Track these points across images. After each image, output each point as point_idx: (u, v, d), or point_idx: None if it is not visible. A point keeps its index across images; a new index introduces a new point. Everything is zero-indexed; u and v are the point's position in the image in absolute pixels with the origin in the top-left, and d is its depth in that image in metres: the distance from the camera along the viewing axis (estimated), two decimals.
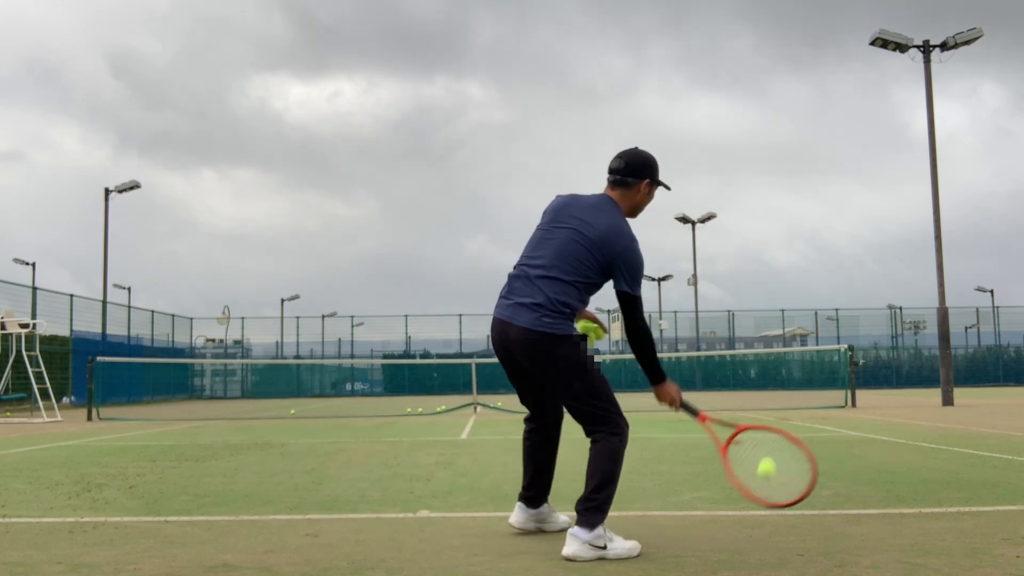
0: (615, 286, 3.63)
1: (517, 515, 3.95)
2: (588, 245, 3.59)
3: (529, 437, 3.94)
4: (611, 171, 3.78)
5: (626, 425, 3.61)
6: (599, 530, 3.41)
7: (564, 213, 3.71)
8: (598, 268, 3.60)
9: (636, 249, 3.63)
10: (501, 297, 3.72)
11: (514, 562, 3.36)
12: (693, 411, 3.76)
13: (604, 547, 3.39)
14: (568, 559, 3.37)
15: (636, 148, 3.81)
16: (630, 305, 3.60)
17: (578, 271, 3.59)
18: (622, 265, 3.58)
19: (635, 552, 3.44)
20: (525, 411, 3.97)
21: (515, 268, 3.75)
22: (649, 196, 3.81)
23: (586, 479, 3.52)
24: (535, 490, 3.91)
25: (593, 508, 3.44)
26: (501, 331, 3.66)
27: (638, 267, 3.61)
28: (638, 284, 3.62)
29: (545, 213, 3.80)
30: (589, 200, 3.74)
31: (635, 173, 3.74)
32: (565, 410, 3.80)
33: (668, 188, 3.85)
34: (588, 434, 3.61)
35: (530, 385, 3.81)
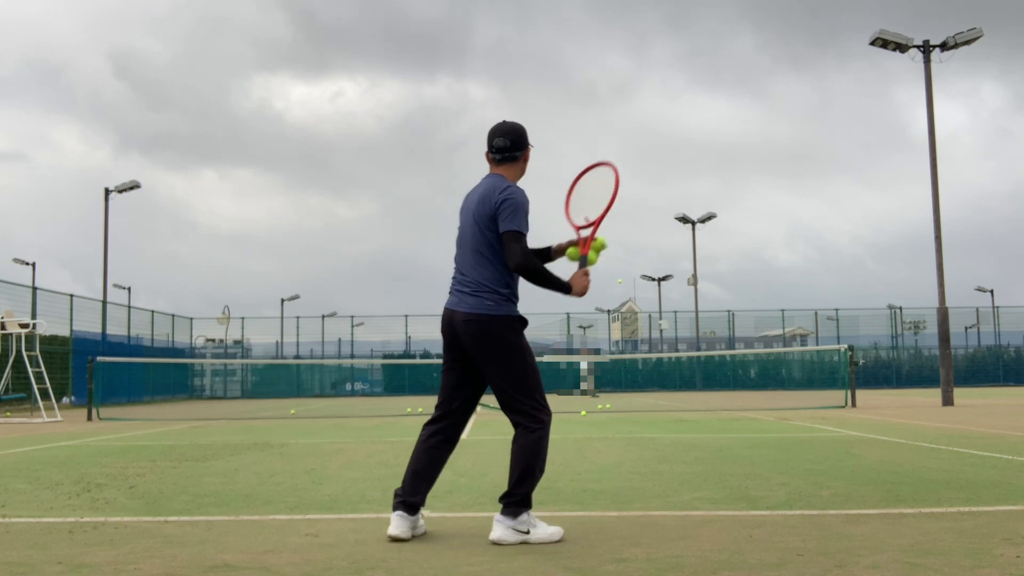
0: (500, 229, 3.77)
1: (400, 525, 3.77)
2: (484, 223, 3.81)
3: (431, 438, 3.91)
4: (498, 150, 3.91)
5: (548, 418, 3.82)
6: (523, 516, 3.69)
7: (464, 212, 3.96)
8: (493, 229, 3.80)
9: (513, 192, 3.79)
10: (449, 296, 3.95)
11: (514, 562, 3.36)
12: (584, 263, 3.95)
13: (527, 531, 3.65)
14: (495, 543, 3.63)
15: (506, 121, 3.96)
16: (513, 239, 3.74)
17: (492, 246, 3.80)
18: (503, 208, 3.76)
19: (556, 537, 3.70)
20: None
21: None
22: (528, 158, 4.01)
23: (509, 472, 3.73)
24: (421, 496, 3.85)
25: (515, 503, 3.69)
26: (448, 319, 3.88)
27: (517, 204, 3.76)
28: (519, 219, 3.74)
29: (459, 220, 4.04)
30: (479, 191, 3.92)
31: (520, 146, 3.93)
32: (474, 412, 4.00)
33: (533, 146, 4.01)
34: (514, 424, 3.80)
35: (465, 374, 3.90)
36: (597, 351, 38.47)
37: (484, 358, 3.80)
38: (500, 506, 3.74)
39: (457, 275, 3.93)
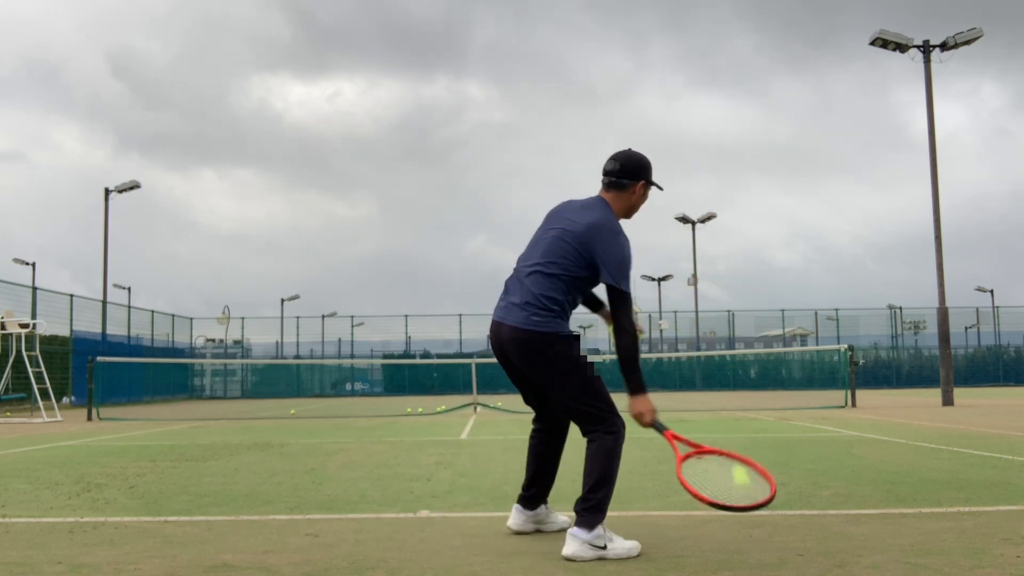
0: (602, 280, 3.62)
1: (515, 518, 3.94)
2: (572, 240, 3.63)
3: (535, 436, 3.94)
4: (606, 173, 3.78)
5: (622, 425, 3.60)
6: (599, 530, 3.40)
7: (555, 216, 3.80)
8: (583, 262, 3.61)
9: (621, 242, 3.61)
10: (499, 299, 3.80)
11: (514, 562, 3.36)
12: (660, 428, 3.63)
13: (604, 547, 3.39)
14: (568, 559, 3.36)
15: (630, 150, 3.81)
16: (617, 301, 3.58)
17: (561, 265, 3.62)
18: (605, 257, 3.57)
19: (635, 552, 3.44)
20: (527, 410, 4.00)
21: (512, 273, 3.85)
22: (644, 197, 3.81)
23: (583, 479, 3.52)
24: (534, 490, 3.90)
25: (591, 508, 3.43)
26: (496, 331, 3.74)
27: (623, 260, 3.58)
28: (624, 279, 3.56)
29: (543, 221, 3.88)
30: (581, 201, 3.80)
31: (630, 175, 3.75)
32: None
33: (661, 188, 3.85)
34: (584, 434, 3.60)
35: (528, 385, 3.84)
36: (598, 350, 38.46)
37: (536, 374, 3.66)
38: (499, 506, 3.73)
39: (513, 281, 3.76)
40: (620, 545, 3.43)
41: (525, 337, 3.59)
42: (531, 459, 3.93)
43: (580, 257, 3.61)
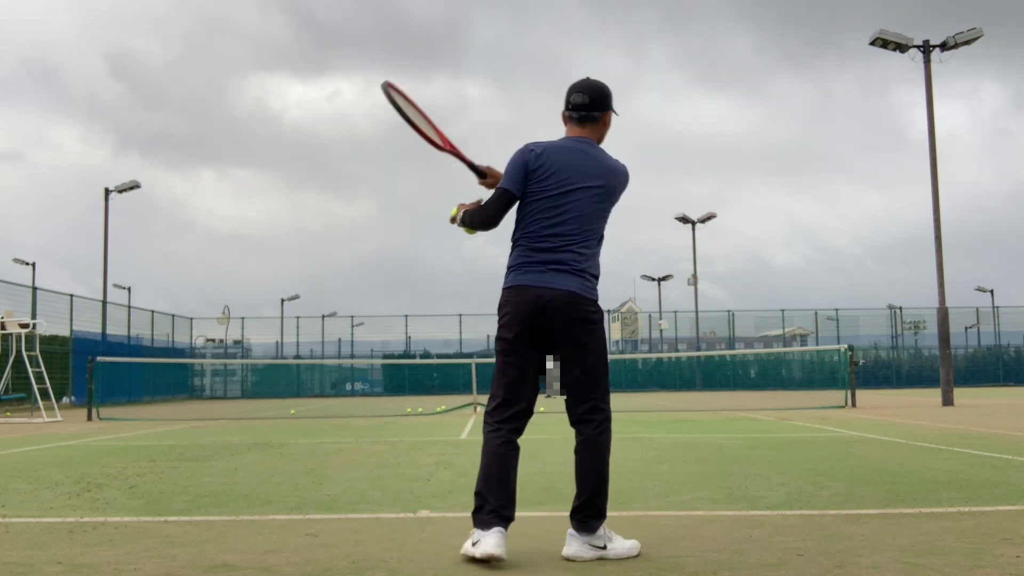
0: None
1: (500, 542, 3.27)
2: (606, 200, 3.58)
3: (508, 442, 3.45)
4: (576, 107, 3.60)
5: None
6: (599, 530, 3.39)
7: (567, 176, 3.51)
8: (610, 211, 3.65)
9: (628, 173, 3.68)
10: (522, 265, 3.52)
11: (514, 562, 3.36)
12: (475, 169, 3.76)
13: (604, 547, 3.36)
14: (568, 559, 3.35)
15: (589, 79, 3.67)
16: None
17: (599, 230, 3.60)
18: (622, 194, 3.67)
19: (635, 551, 3.42)
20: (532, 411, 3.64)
21: (535, 235, 3.52)
22: (609, 125, 3.72)
23: (582, 481, 3.40)
24: (513, 508, 3.41)
25: (593, 514, 3.39)
26: (536, 296, 3.43)
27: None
28: None
29: (538, 173, 3.53)
30: (579, 150, 3.57)
31: (601, 106, 3.62)
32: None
33: (617, 114, 3.71)
34: (594, 417, 3.45)
35: (531, 364, 3.49)
36: None
37: (581, 339, 3.44)
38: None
39: (550, 247, 3.48)
40: (620, 545, 3.40)
41: (580, 302, 3.44)
42: (507, 470, 3.39)
43: (610, 209, 3.63)
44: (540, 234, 3.52)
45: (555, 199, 3.51)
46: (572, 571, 3.21)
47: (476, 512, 3.36)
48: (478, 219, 3.61)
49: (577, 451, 3.48)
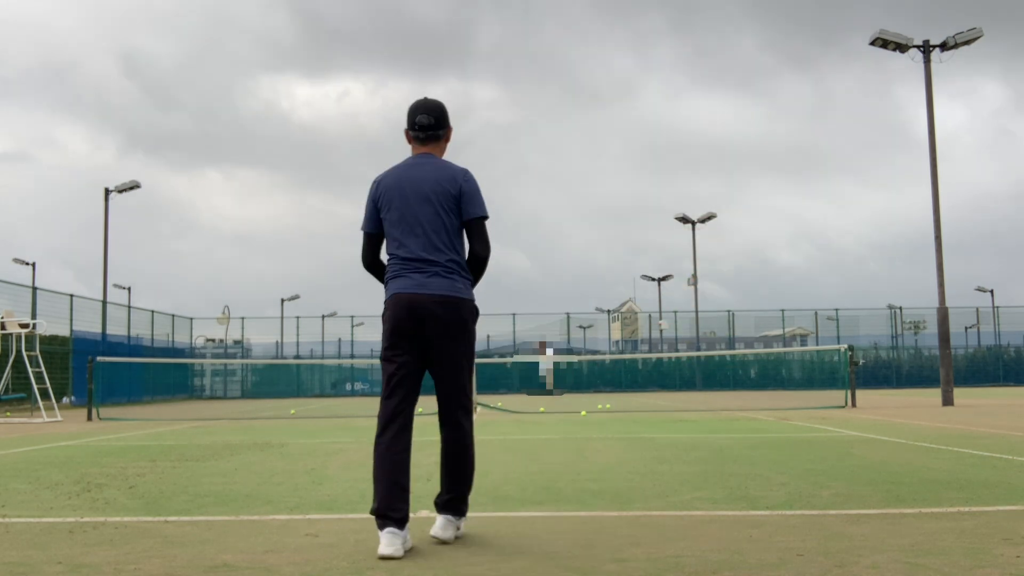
0: (470, 215, 3.75)
1: (393, 541, 3.47)
2: (446, 204, 3.70)
3: (400, 444, 3.70)
4: (422, 127, 3.79)
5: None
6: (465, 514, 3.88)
7: (408, 196, 3.71)
8: (458, 213, 3.73)
9: (473, 177, 3.80)
10: (396, 277, 3.69)
11: (515, 562, 3.36)
12: None
13: (459, 528, 3.86)
14: (444, 541, 3.72)
15: (427, 99, 3.86)
16: (485, 226, 3.79)
17: (450, 231, 3.71)
18: (472, 193, 3.75)
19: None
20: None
21: (398, 254, 3.72)
22: (450, 139, 3.94)
23: (452, 473, 3.85)
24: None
25: (461, 499, 3.84)
26: (411, 303, 3.61)
27: (479, 189, 3.80)
28: (485, 204, 3.79)
29: (382, 200, 3.76)
30: (416, 166, 3.77)
31: (443, 124, 3.85)
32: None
33: (451, 128, 3.93)
34: (462, 418, 3.84)
35: (419, 359, 3.69)
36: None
37: (449, 345, 3.66)
38: (500, 506, 3.75)
39: (409, 260, 3.67)
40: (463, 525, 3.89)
41: (454, 302, 3.65)
42: (401, 468, 3.65)
43: (457, 211, 3.73)
44: (398, 255, 3.73)
45: (402, 219, 3.71)
46: (573, 571, 3.21)
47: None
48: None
49: (454, 446, 3.97)
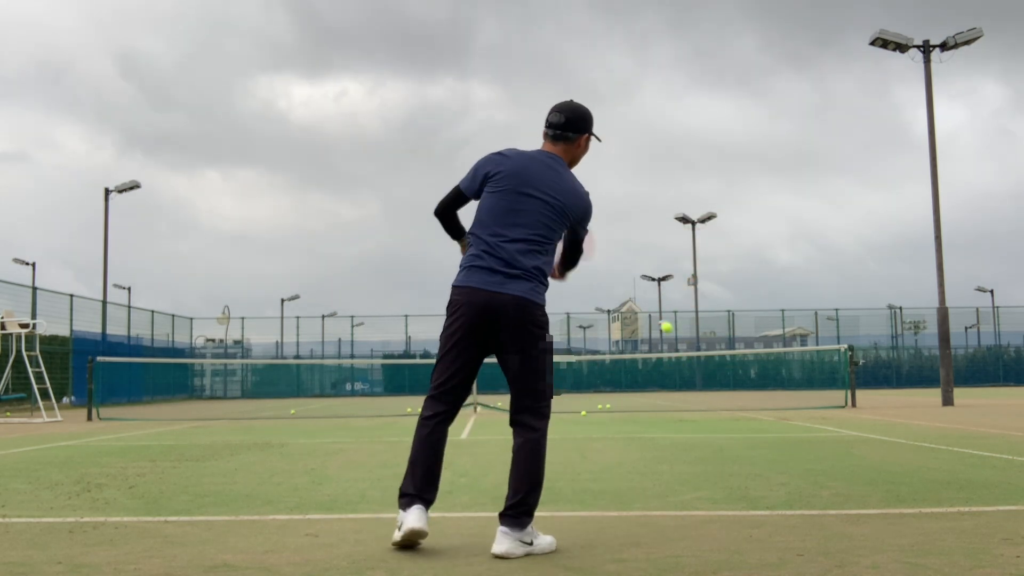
0: (578, 236, 3.87)
1: (423, 518, 3.53)
2: (558, 216, 3.70)
3: (436, 429, 3.69)
4: (551, 125, 3.78)
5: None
6: (529, 527, 3.52)
7: (525, 180, 3.67)
8: (563, 230, 3.78)
9: (590, 202, 3.83)
10: (472, 267, 3.65)
11: (515, 562, 3.36)
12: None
13: (531, 543, 3.49)
14: (500, 556, 3.43)
15: (572, 101, 3.84)
16: (579, 247, 3.92)
17: (551, 239, 3.72)
18: (585, 222, 3.83)
19: (553, 547, 3.55)
20: None
21: (483, 238, 3.67)
22: (586, 149, 3.90)
23: (516, 480, 3.55)
24: (435, 492, 3.66)
25: (525, 512, 3.51)
26: (486, 299, 3.58)
27: (590, 215, 3.86)
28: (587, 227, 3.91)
29: (497, 176, 3.70)
30: (543, 162, 3.73)
31: (576, 128, 3.78)
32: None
33: (600, 140, 3.90)
34: (534, 419, 3.63)
35: (480, 356, 3.72)
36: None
37: (526, 343, 3.61)
38: (499, 506, 3.67)
39: (501, 251, 3.61)
40: (543, 540, 3.55)
41: (528, 306, 3.60)
42: (431, 454, 3.63)
43: (562, 226, 3.75)
44: (486, 239, 3.67)
45: (510, 208, 3.66)
46: (572, 571, 3.21)
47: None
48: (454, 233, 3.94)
49: (519, 451, 3.64)
